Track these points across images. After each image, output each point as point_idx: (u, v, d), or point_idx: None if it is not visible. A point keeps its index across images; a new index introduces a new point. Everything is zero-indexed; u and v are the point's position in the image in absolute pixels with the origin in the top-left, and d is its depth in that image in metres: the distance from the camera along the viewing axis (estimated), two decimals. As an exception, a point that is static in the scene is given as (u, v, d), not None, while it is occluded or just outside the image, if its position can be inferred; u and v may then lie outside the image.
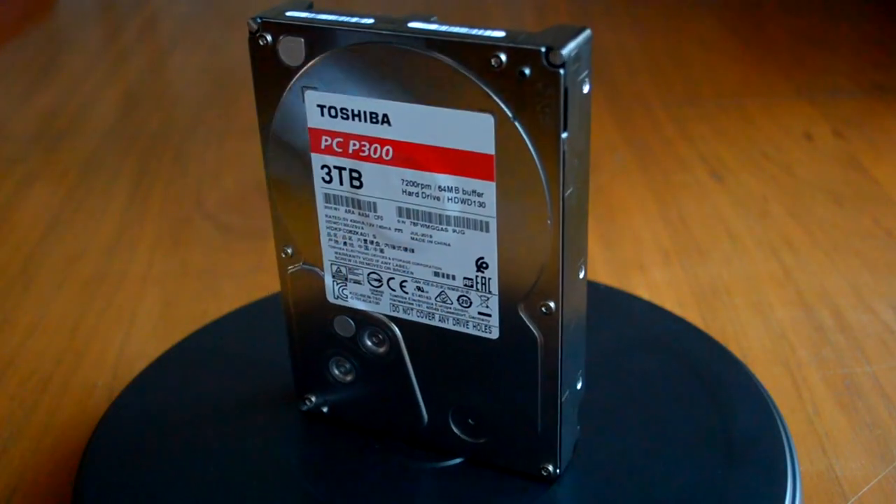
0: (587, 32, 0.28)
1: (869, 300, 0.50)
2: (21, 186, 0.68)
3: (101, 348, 0.49)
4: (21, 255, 0.59)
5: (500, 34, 0.28)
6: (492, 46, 0.28)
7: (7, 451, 0.42)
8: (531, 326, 0.32)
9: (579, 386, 0.34)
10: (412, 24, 0.30)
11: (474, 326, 0.33)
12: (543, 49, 0.27)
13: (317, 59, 0.31)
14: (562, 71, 0.27)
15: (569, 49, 0.27)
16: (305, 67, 0.31)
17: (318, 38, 0.31)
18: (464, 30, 0.29)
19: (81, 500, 0.35)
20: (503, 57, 0.28)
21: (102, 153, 0.73)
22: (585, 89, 0.29)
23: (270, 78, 0.32)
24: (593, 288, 0.47)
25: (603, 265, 0.54)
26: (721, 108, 0.75)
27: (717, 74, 0.82)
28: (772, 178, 0.64)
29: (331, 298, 0.35)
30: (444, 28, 0.29)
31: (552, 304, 0.31)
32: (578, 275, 0.32)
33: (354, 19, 0.31)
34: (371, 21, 0.30)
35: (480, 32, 0.29)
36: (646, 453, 0.36)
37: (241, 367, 0.41)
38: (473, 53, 0.28)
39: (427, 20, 0.30)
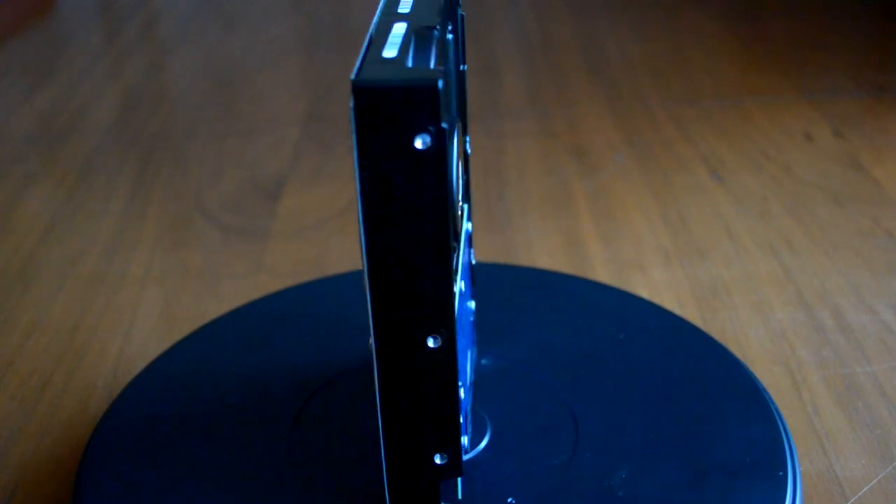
0: (428, 83, 0.26)
1: (869, 300, 0.50)
2: (21, 186, 0.68)
3: (101, 348, 0.49)
4: (21, 255, 0.59)
5: (395, 41, 0.28)
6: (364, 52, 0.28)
7: (7, 451, 0.42)
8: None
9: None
10: (399, 8, 0.30)
11: None
12: (353, 77, 0.27)
13: None
14: (351, 104, 0.27)
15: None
16: None
17: None
18: (396, 24, 0.29)
19: (81, 499, 0.35)
20: None
21: (102, 153, 0.73)
22: (418, 143, 0.27)
23: None
24: (594, 287, 0.47)
25: (603, 265, 0.54)
26: (721, 108, 0.75)
27: (717, 74, 0.82)
28: (772, 178, 0.64)
29: None
30: (401, 14, 0.30)
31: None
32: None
33: None
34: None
35: (394, 31, 0.29)
36: (644, 453, 0.36)
37: (240, 366, 0.41)
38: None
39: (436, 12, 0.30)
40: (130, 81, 0.88)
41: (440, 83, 0.26)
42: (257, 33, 0.98)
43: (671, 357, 0.41)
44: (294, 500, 0.34)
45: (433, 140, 0.27)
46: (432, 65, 0.28)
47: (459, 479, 0.33)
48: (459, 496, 0.33)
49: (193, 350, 0.43)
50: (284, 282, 0.53)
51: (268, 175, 0.68)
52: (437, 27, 0.29)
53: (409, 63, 0.27)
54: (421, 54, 0.28)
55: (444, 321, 0.29)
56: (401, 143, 0.27)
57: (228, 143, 0.74)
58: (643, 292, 0.51)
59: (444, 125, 0.27)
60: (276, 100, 0.82)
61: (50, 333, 0.51)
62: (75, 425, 0.44)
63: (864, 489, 0.38)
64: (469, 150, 0.37)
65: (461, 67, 0.35)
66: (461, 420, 0.31)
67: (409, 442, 0.31)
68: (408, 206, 0.28)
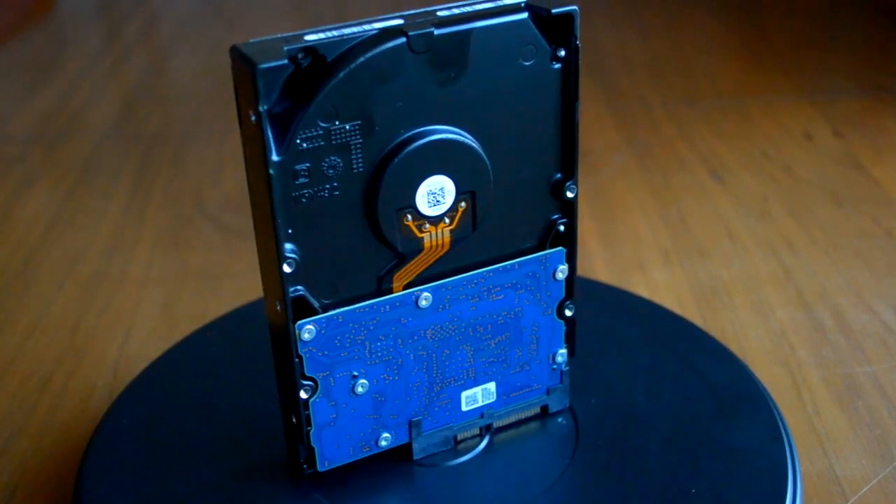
0: (249, 64, 0.27)
1: (869, 300, 0.50)
2: (21, 186, 0.68)
3: (101, 348, 0.49)
4: (21, 255, 0.59)
5: (342, 30, 0.29)
6: None
7: (7, 451, 0.42)
8: None
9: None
10: (442, 11, 0.31)
11: None
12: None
13: None
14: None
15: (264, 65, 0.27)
16: None
17: None
18: (392, 20, 0.30)
19: (81, 500, 0.35)
20: None
21: (102, 153, 0.73)
22: (251, 116, 0.28)
23: None
24: (593, 287, 0.47)
25: (603, 265, 0.54)
26: (721, 108, 0.75)
27: (717, 74, 0.82)
28: (772, 178, 0.64)
29: None
30: (435, 15, 0.31)
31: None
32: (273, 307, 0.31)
33: None
34: None
35: (370, 23, 0.30)
36: (645, 453, 0.36)
37: (240, 367, 0.41)
38: None
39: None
40: (130, 81, 0.88)
41: (260, 67, 0.27)
42: (257, 33, 0.98)
43: (671, 357, 0.41)
44: (295, 500, 0.34)
45: (256, 119, 0.28)
46: (329, 58, 0.28)
47: (413, 442, 0.35)
48: (413, 457, 0.35)
49: (193, 350, 0.43)
50: (284, 282, 0.53)
51: (268, 175, 0.67)
52: (404, 37, 0.29)
53: (294, 47, 0.28)
54: (328, 48, 0.28)
55: (276, 291, 0.30)
56: (246, 112, 0.28)
57: (228, 143, 0.74)
58: (643, 292, 0.51)
59: (262, 108, 0.27)
60: (276, 100, 0.82)
61: (50, 333, 0.51)
62: (75, 425, 0.44)
63: (864, 489, 0.38)
64: (572, 194, 0.34)
65: (572, 101, 0.32)
66: (301, 391, 0.32)
67: (285, 397, 0.33)
68: (254, 172, 0.30)
